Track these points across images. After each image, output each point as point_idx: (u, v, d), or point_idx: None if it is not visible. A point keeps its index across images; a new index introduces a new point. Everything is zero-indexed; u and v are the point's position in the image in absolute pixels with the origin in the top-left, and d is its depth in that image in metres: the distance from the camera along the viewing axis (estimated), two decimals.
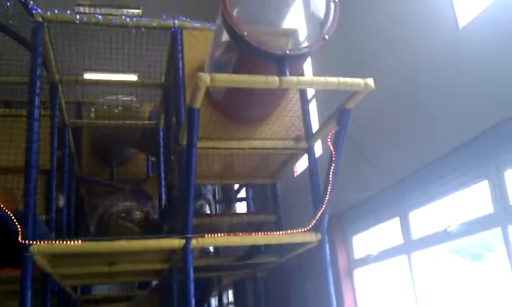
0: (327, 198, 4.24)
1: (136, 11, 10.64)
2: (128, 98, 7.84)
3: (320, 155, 6.56)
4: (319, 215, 4.36)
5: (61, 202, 6.77)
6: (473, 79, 4.34)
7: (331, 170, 4.16)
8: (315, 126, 5.02)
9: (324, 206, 4.30)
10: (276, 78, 3.40)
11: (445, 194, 4.98)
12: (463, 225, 4.74)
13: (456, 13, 4.57)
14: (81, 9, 10.08)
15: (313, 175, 4.79)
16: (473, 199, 4.71)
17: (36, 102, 4.43)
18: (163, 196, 7.37)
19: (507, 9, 4.09)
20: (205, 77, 3.29)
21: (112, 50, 5.67)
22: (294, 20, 3.80)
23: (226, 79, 3.46)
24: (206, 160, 5.14)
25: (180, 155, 4.64)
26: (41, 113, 4.77)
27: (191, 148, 3.90)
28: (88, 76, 8.23)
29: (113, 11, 10.14)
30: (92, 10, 10.04)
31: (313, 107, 6.87)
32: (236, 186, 9.21)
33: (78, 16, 4.66)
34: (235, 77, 3.46)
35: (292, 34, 3.86)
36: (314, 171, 4.80)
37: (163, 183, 7.40)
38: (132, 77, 8.17)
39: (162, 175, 7.39)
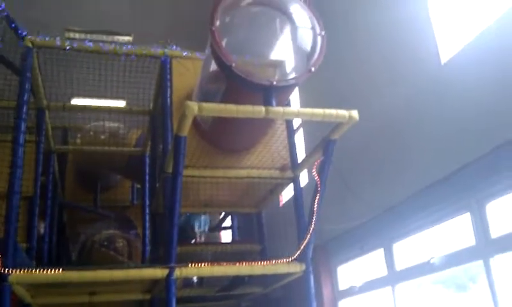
0: (312, 228, 4.24)
1: (126, 38, 10.71)
2: (115, 125, 7.81)
3: (305, 185, 6.59)
4: (303, 245, 4.35)
5: (43, 229, 6.65)
6: (455, 114, 4.47)
7: (316, 200, 4.19)
8: (301, 155, 5.07)
9: (308, 236, 4.29)
10: (263, 109, 3.46)
11: (428, 225, 5.04)
12: (446, 257, 4.78)
13: (438, 48, 4.73)
14: (71, 34, 10.12)
15: (298, 205, 4.80)
16: (456, 231, 4.76)
17: (22, 127, 4.41)
18: (147, 223, 7.29)
19: (488, 45, 4.24)
20: (193, 106, 3.33)
21: (101, 76, 5.67)
22: (282, 51, 3.88)
23: (213, 108, 3.50)
24: (192, 189, 5.13)
25: (166, 182, 4.62)
26: (27, 139, 4.75)
27: (177, 176, 3.90)
28: (75, 101, 8.23)
29: (103, 37, 10.19)
30: (82, 36, 10.09)
31: (299, 136, 6.94)
32: (221, 214, 9.15)
33: (68, 42, 4.67)
34: (222, 106, 3.50)
35: (279, 65, 3.94)
36: (299, 201, 4.82)
37: (147, 210, 7.33)
38: (120, 103, 8.19)
39: (147, 202, 7.31)
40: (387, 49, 5.53)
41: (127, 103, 7.36)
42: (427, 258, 4.97)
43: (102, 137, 7.62)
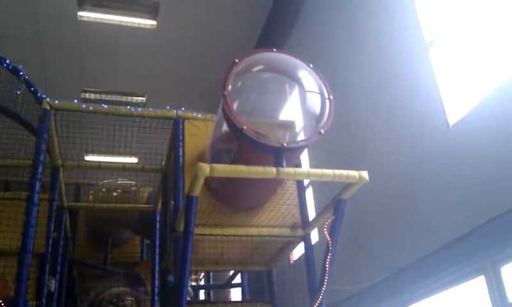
0: (323, 289, 4.19)
1: (140, 98, 11.11)
2: (127, 182, 7.93)
3: (316, 242, 6.54)
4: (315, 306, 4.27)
5: (53, 286, 6.62)
6: (467, 174, 4.48)
7: (328, 260, 4.15)
8: (311, 213, 5.08)
9: (320, 297, 4.23)
10: (274, 170, 3.53)
11: (442, 288, 4.93)
12: None
13: (445, 110, 4.82)
14: (87, 95, 10.54)
15: (310, 264, 4.76)
16: (470, 294, 4.66)
17: (37, 187, 4.51)
18: (156, 281, 7.23)
19: (497, 107, 4.32)
20: (205, 167, 3.41)
21: (115, 136, 5.84)
22: (291, 114, 3.99)
23: (225, 170, 3.57)
24: (202, 247, 5.11)
25: (176, 241, 4.63)
26: (40, 196, 4.84)
27: (188, 235, 3.92)
28: (88, 158, 8.40)
29: (118, 97, 10.59)
30: (98, 96, 10.52)
31: (309, 194, 6.96)
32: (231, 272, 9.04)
33: (84, 105, 4.86)
34: (233, 167, 3.57)
35: (289, 126, 4.05)
36: (310, 260, 4.78)
37: (157, 268, 7.29)
38: (132, 160, 8.34)
39: (157, 259, 7.28)
40: (395, 112, 5.65)
41: (139, 160, 7.51)
42: None
43: (114, 194, 7.73)
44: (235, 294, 9.79)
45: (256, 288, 8.17)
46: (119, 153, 7.21)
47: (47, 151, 5.45)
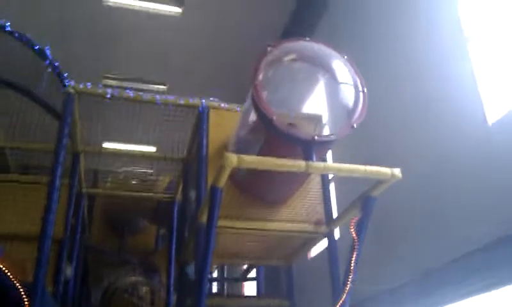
0: (347, 289, 4.06)
1: (161, 87, 11.01)
2: (146, 170, 7.87)
3: (337, 239, 6.41)
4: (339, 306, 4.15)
5: (69, 273, 6.60)
6: (505, 178, 4.25)
7: (353, 259, 4.03)
8: (333, 209, 4.94)
9: (344, 297, 4.10)
10: (303, 163, 3.41)
11: (470, 294, 4.75)
12: None
13: (484, 108, 4.61)
14: (109, 82, 10.48)
15: (333, 262, 4.64)
16: (504, 299, 4.49)
17: (59, 172, 4.45)
18: (172, 271, 7.18)
19: None
20: (233, 158, 3.30)
21: (136, 122, 5.77)
22: (323, 106, 3.87)
23: (253, 161, 3.45)
24: (223, 238, 5.02)
25: (198, 232, 4.55)
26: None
27: (211, 227, 3.82)
28: (107, 145, 8.35)
29: (139, 85, 10.50)
30: (119, 83, 10.45)
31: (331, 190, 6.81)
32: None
33: (110, 90, 4.78)
34: (262, 159, 3.45)
35: (319, 119, 3.93)
36: (334, 257, 4.66)
37: (173, 258, 7.23)
38: (151, 149, 8.26)
39: (173, 250, 7.22)
40: (428, 104, 5.45)
41: (158, 149, 7.43)
42: None
43: (133, 182, 7.67)
44: (249, 288, 9.69)
45: (271, 283, 8.06)
46: (138, 142, 7.12)
47: (69, 137, 5.41)
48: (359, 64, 3.78)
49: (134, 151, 6.65)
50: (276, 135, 3.58)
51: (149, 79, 11.10)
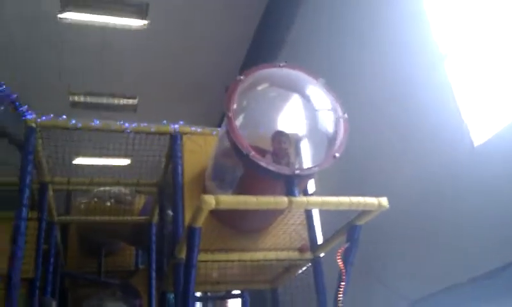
0: None
1: (131, 100, 10.66)
2: (121, 190, 7.55)
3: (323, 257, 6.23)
4: None
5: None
6: (494, 201, 4.08)
7: (341, 290, 3.85)
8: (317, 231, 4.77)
9: None
10: (285, 199, 3.21)
11: None
12: None
13: (469, 129, 4.46)
14: (75, 98, 10.07)
15: (320, 289, 4.45)
16: None
17: (24, 214, 4.19)
18: (153, 294, 6.93)
19: None
20: (210, 200, 3.08)
21: (108, 150, 5.46)
22: (302, 135, 3.67)
23: (232, 201, 3.25)
24: (204, 269, 4.81)
25: (176, 269, 4.31)
26: (29, 216, 4.52)
27: (191, 268, 3.59)
28: (79, 161, 7.98)
29: (109, 100, 10.15)
30: (87, 99, 10.06)
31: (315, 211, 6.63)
32: None
33: (73, 121, 4.48)
34: (241, 198, 3.24)
35: (299, 147, 3.72)
36: (320, 285, 4.48)
37: (153, 280, 6.98)
38: (126, 161, 7.92)
39: (153, 272, 6.96)
40: (414, 131, 5.26)
41: (133, 163, 7.10)
42: None
43: (108, 204, 7.35)
44: (234, 305, 9.49)
45: (257, 299, 7.87)
46: (112, 155, 6.79)
47: (35, 167, 5.11)
48: (334, 88, 3.58)
49: (107, 178, 6.33)
50: (253, 170, 3.36)
51: (119, 93, 10.74)
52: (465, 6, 5.22)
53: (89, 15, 9.39)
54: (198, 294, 8.55)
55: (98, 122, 4.62)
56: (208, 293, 8.66)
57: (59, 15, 9.06)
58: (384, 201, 3.38)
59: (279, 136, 3.53)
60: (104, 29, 10.04)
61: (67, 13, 9.09)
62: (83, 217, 7.16)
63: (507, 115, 4.11)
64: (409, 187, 5.19)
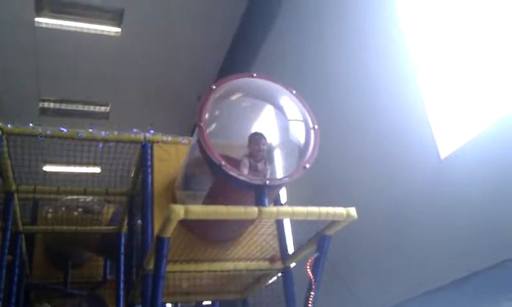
0: None
1: (103, 107, 10.50)
2: (89, 199, 7.40)
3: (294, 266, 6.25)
4: None
5: None
6: (459, 213, 4.22)
7: (310, 300, 3.87)
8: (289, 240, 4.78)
9: None
10: (256, 209, 3.22)
11: None
12: None
13: (436, 142, 4.58)
14: (45, 104, 9.85)
15: (289, 299, 4.46)
16: None
17: None
18: (121, 306, 6.78)
19: (493, 142, 4.10)
20: (179, 210, 3.05)
21: (76, 157, 5.35)
22: (273, 145, 3.69)
23: (201, 212, 3.22)
24: (173, 279, 4.75)
25: (145, 280, 4.24)
26: None
27: (158, 278, 3.54)
28: (48, 168, 7.79)
29: (80, 106, 9.96)
30: (57, 106, 9.85)
31: (286, 222, 6.65)
32: None
33: (40, 128, 4.37)
34: (211, 209, 3.23)
35: (270, 156, 3.74)
36: (290, 295, 4.49)
37: (122, 291, 6.84)
38: (95, 170, 7.77)
39: (121, 285, 6.82)
40: (380, 138, 5.39)
41: (102, 172, 6.98)
42: None
43: (75, 213, 7.19)
44: None
45: None
46: (81, 164, 6.66)
47: (0, 176, 4.97)
48: (306, 99, 3.62)
49: (73, 188, 6.18)
50: (224, 180, 3.36)
51: (91, 100, 10.56)
52: (437, 19, 5.36)
53: (63, 21, 9.26)
54: (169, 306, 8.44)
55: (66, 130, 4.51)
56: (179, 304, 8.52)
57: (35, 19, 8.87)
58: (352, 211, 3.42)
59: (257, 137, 3.51)
60: (76, 36, 9.91)
61: (42, 18, 8.91)
62: (50, 226, 6.96)
63: (472, 128, 4.26)
64: (379, 197, 5.28)
